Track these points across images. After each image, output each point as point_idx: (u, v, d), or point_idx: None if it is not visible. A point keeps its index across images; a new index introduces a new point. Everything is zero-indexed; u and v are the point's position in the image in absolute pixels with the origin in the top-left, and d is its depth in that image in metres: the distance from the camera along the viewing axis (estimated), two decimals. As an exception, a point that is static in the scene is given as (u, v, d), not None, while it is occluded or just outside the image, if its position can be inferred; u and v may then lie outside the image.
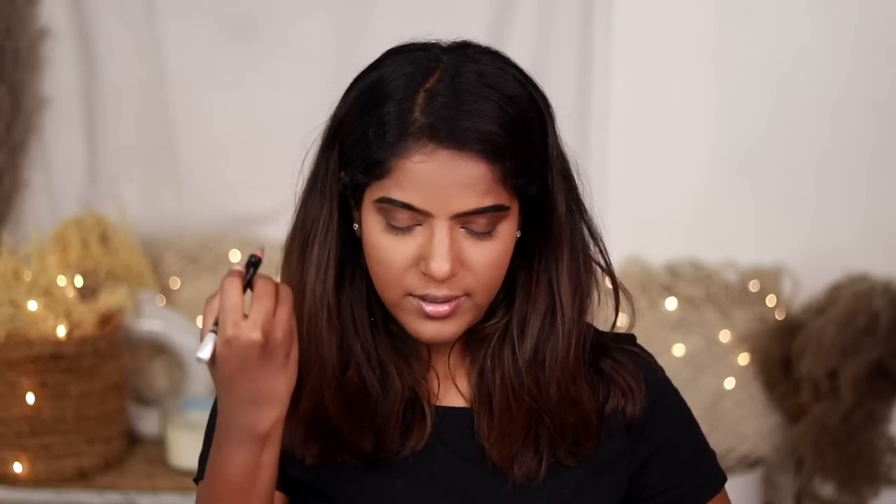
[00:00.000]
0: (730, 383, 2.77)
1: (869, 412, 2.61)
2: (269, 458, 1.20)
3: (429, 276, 1.23)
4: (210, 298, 1.17)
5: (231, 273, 1.17)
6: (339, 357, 1.29)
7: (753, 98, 2.90)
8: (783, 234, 2.89)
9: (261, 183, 2.87)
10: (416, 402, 1.31)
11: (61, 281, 2.49)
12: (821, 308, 2.71)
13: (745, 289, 2.84)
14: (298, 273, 1.30)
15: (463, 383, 1.33)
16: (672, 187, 2.93)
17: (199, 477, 1.35)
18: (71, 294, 2.49)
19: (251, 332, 1.14)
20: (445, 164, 1.21)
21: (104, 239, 2.68)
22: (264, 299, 1.15)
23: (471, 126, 1.22)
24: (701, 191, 2.92)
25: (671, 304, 2.83)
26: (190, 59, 2.89)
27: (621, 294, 1.39)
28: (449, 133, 1.21)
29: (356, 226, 1.29)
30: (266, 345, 1.15)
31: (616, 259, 3.11)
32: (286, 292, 1.17)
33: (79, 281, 2.57)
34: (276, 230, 2.90)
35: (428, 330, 1.26)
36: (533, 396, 1.29)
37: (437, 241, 1.22)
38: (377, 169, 1.23)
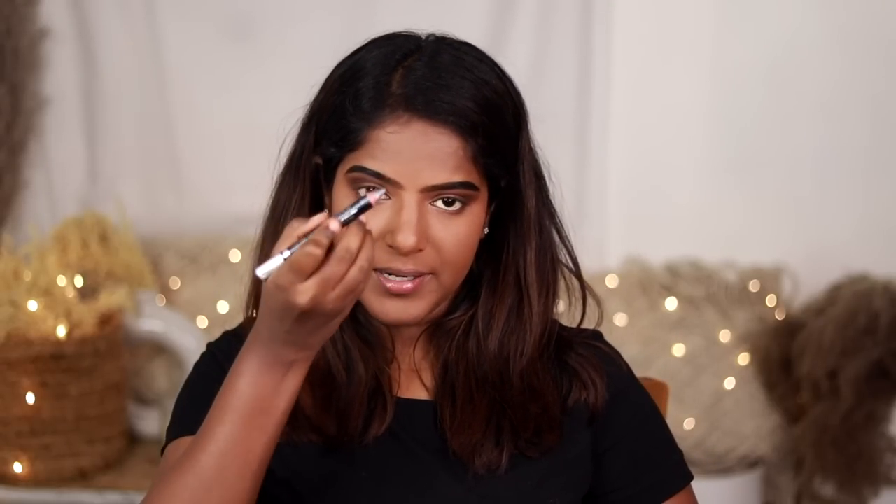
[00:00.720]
0: (730, 383, 2.77)
1: (869, 412, 2.61)
2: (290, 386, 1.16)
3: (395, 249, 1.24)
4: (297, 223, 1.11)
5: (329, 219, 1.10)
6: None
7: (752, 98, 2.90)
8: (783, 234, 2.90)
9: (261, 183, 2.86)
10: (378, 390, 1.32)
11: (61, 281, 2.49)
12: (821, 308, 2.71)
13: (745, 289, 2.84)
14: (269, 254, 1.30)
15: (427, 377, 1.35)
16: (672, 187, 2.93)
17: (169, 441, 1.33)
18: (71, 294, 2.49)
19: (299, 297, 1.09)
20: (418, 135, 1.23)
21: (104, 239, 2.68)
22: (336, 267, 1.09)
23: (446, 99, 1.24)
24: (701, 191, 2.92)
25: (671, 304, 2.83)
26: (190, 59, 2.89)
27: (595, 297, 1.39)
28: (424, 104, 1.23)
29: (326, 211, 1.29)
30: (310, 311, 1.11)
31: (616, 259, 3.12)
32: (365, 261, 1.11)
33: (79, 281, 2.57)
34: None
35: (391, 310, 1.27)
36: (496, 388, 1.31)
37: (405, 213, 1.23)
38: (351, 139, 1.25)
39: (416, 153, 1.23)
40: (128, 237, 2.71)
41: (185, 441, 1.28)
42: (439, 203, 1.25)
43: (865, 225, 2.88)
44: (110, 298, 2.51)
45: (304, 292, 1.09)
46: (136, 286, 2.65)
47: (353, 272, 1.10)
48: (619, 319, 2.79)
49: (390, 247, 1.24)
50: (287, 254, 1.10)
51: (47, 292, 2.46)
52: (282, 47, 2.88)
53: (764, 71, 2.89)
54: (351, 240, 1.10)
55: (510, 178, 1.29)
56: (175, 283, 2.84)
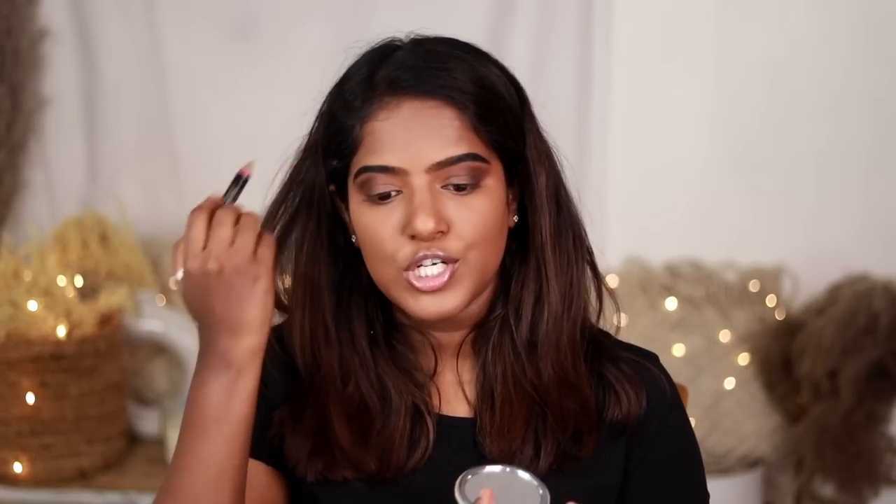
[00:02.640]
0: (730, 383, 2.77)
1: (869, 412, 2.61)
2: (244, 389, 1.17)
3: (417, 239, 1.21)
4: (179, 241, 1.18)
5: (198, 208, 1.18)
6: (339, 371, 1.28)
7: (753, 98, 2.90)
8: (783, 234, 2.89)
9: (260, 183, 2.86)
10: (420, 416, 1.29)
11: (61, 281, 2.49)
12: (821, 308, 2.71)
13: (745, 289, 2.84)
14: (296, 294, 1.29)
15: (470, 390, 1.31)
16: (672, 187, 2.93)
17: None
18: (71, 294, 2.49)
19: (206, 263, 1.15)
20: (411, 114, 1.22)
21: (104, 239, 2.68)
22: (220, 229, 1.16)
23: (433, 73, 1.22)
24: (701, 191, 2.92)
25: (671, 304, 2.83)
26: (190, 59, 2.89)
27: (610, 290, 1.37)
28: (412, 81, 1.22)
29: (354, 237, 1.28)
30: (222, 273, 1.15)
31: (616, 259, 3.13)
32: (249, 220, 1.18)
33: (79, 281, 2.57)
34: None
35: (428, 307, 1.23)
36: (533, 383, 1.27)
37: (417, 198, 1.21)
38: (350, 142, 1.23)
39: (411, 134, 1.21)
40: (128, 237, 2.71)
41: None
42: (450, 187, 1.22)
43: (866, 225, 2.88)
44: (110, 298, 2.51)
45: (207, 256, 1.16)
46: (136, 286, 2.65)
47: (246, 218, 1.18)
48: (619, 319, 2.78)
49: (413, 238, 1.21)
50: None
51: (47, 292, 2.46)
52: (282, 48, 2.88)
53: (765, 71, 2.89)
54: (221, 209, 1.18)
55: (520, 153, 1.26)
56: (175, 282, 2.83)
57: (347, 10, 2.86)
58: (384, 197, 1.23)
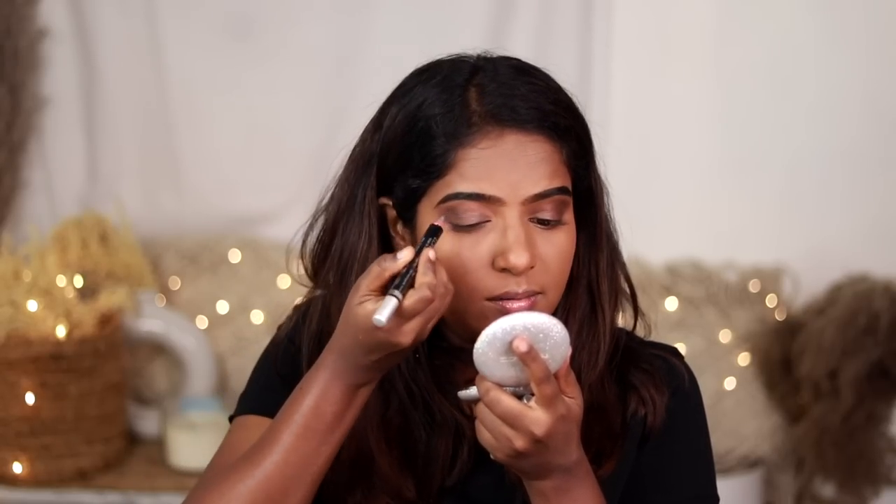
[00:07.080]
0: (730, 383, 2.77)
1: (869, 412, 2.61)
2: (361, 402, 1.19)
3: (507, 272, 1.20)
4: (386, 262, 1.15)
5: (428, 250, 1.15)
6: (379, 394, 1.27)
7: (754, 98, 2.90)
8: (784, 234, 2.89)
9: (261, 183, 2.87)
10: (460, 436, 1.28)
11: (61, 281, 2.49)
12: (821, 308, 2.71)
13: (745, 289, 2.84)
14: (338, 306, 1.25)
15: None
16: (672, 187, 2.93)
17: (237, 413, 1.34)
18: (71, 294, 2.49)
19: (404, 337, 1.14)
20: (514, 146, 1.20)
21: (104, 239, 2.68)
22: (439, 304, 1.15)
23: (533, 106, 1.22)
24: (701, 191, 2.92)
25: (671, 304, 2.83)
26: (190, 59, 2.89)
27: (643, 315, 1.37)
28: (512, 114, 1.21)
29: (410, 247, 1.26)
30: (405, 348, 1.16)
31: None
32: (440, 304, 1.15)
33: (79, 281, 2.57)
34: (276, 230, 2.89)
35: None
36: None
37: (511, 233, 1.20)
38: (438, 164, 1.20)
39: (512, 165, 1.20)
40: (128, 237, 2.71)
41: (251, 419, 1.29)
42: (535, 221, 1.22)
43: (865, 225, 2.88)
44: (110, 298, 2.51)
45: (410, 332, 1.14)
46: (136, 286, 2.65)
47: (447, 301, 1.15)
48: (619, 320, 2.78)
49: (503, 270, 1.20)
50: (398, 295, 1.12)
51: (47, 292, 2.46)
52: (282, 47, 2.88)
53: (764, 71, 2.89)
54: (442, 273, 1.14)
55: (588, 182, 1.27)
56: (175, 283, 2.84)
57: (347, 11, 2.85)
58: (472, 226, 1.21)
